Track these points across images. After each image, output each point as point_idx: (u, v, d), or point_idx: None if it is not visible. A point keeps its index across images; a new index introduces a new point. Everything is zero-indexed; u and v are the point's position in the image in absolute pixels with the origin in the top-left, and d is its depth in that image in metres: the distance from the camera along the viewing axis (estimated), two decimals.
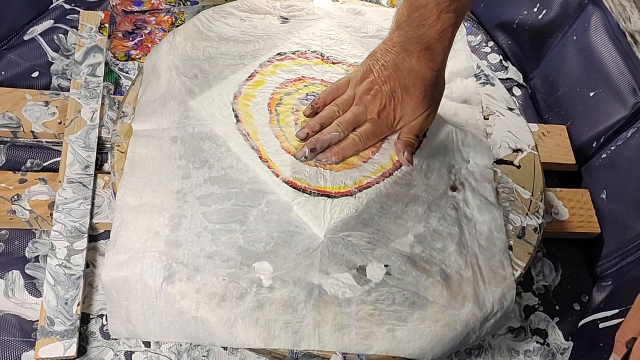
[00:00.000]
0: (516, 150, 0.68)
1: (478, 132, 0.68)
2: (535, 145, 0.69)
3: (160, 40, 0.76)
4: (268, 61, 0.66)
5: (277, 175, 0.58)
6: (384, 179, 0.60)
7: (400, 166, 0.61)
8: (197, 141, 0.60)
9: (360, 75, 0.60)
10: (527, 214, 0.63)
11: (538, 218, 0.63)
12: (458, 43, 0.76)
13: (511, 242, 0.61)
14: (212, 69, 0.66)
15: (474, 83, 0.73)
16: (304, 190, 0.58)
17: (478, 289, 0.57)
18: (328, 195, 0.58)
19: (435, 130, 0.64)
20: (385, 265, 0.56)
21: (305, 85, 0.65)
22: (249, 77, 0.65)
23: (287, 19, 0.74)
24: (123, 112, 0.64)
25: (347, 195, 0.58)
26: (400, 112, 0.59)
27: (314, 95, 0.64)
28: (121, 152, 0.61)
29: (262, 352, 0.52)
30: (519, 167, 0.67)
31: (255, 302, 0.53)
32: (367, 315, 0.54)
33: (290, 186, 0.58)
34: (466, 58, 0.75)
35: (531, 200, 0.64)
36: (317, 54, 0.69)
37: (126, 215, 0.56)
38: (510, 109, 0.72)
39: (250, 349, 0.52)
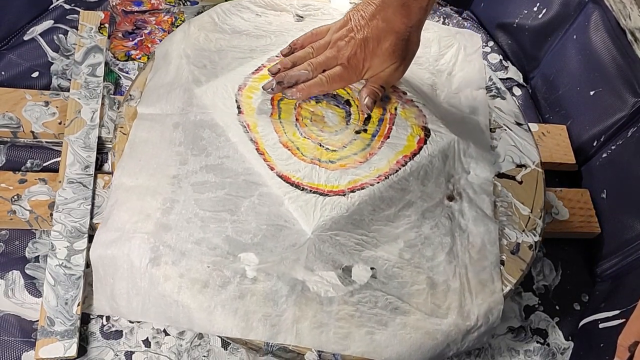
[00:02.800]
0: (520, 166, 0.67)
1: (482, 144, 0.67)
2: (540, 162, 0.68)
3: (160, 40, 0.76)
4: (276, 56, 0.67)
5: (272, 169, 0.58)
6: (379, 182, 0.59)
7: (397, 171, 0.60)
8: (198, 129, 0.61)
9: (340, 23, 0.62)
10: (523, 230, 0.62)
11: (535, 235, 0.62)
12: (473, 54, 0.76)
13: (504, 257, 0.60)
14: (221, 60, 0.67)
15: (484, 95, 0.72)
16: (297, 186, 0.58)
17: (464, 301, 0.56)
18: (320, 192, 0.58)
19: (436, 137, 0.63)
20: (372, 268, 0.56)
21: None
22: (255, 70, 0.65)
23: (302, 17, 0.74)
24: (130, 95, 0.65)
25: (339, 195, 0.58)
26: (369, 61, 0.61)
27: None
28: (123, 134, 0.62)
29: (238, 342, 0.53)
30: (520, 182, 0.66)
31: (237, 291, 0.53)
32: (347, 316, 0.53)
33: (284, 180, 0.58)
34: (479, 69, 0.74)
35: (529, 217, 0.63)
36: None
37: (121, 195, 0.57)
38: (519, 124, 0.71)
39: (228, 338, 0.52)
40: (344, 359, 0.52)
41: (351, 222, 0.57)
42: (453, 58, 0.74)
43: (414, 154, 0.62)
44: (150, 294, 0.53)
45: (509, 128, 0.70)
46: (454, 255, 0.59)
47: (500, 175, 0.66)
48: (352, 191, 0.58)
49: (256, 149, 0.59)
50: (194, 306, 0.52)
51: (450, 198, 0.62)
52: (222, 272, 0.54)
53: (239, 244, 0.55)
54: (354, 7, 0.62)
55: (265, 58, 0.67)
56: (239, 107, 0.62)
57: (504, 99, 0.73)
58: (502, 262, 0.60)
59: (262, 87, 0.62)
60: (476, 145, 0.66)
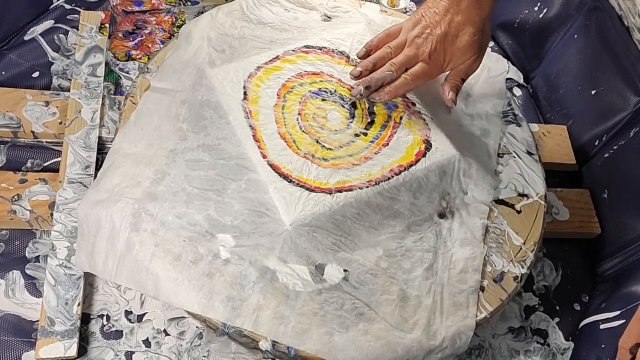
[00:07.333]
0: (522, 195, 0.65)
1: (486, 167, 0.65)
2: (545, 195, 0.65)
3: (160, 40, 0.77)
4: (292, 50, 0.68)
5: (264, 157, 0.59)
6: (368, 186, 0.59)
7: (389, 179, 0.60)
8: (202, 108, 0.62)
9: (412, 21, 0.62)
10: (512, 260, 0.60)
11: (523, 267, 0.60)
12: (495, 78, 0.74)
13: (485, 284, 0.58)
14: (240, 47, 0.68)
15: (499, 119, 0.70)
16: (285, 177, 0.58)
17: (433, 319, 0.55)
18: (307, 187, 0.58)
19: (437, 152, 0.62)
20: (345, 270, 0.56)
21: (321, 81, 0.65)
22: (269, 60, 0.66)
23: (329, 17, 0.75)
24: (148, 68, 0.67)
25: (325, 192, 0.57)
26: (450, 54, 0.61)
27: (326, 91, 0.65)
28: (133, 103, 0.64)
29: (198, 318, 0.53)
30: (519, 212, 0.64)
31: (207, 270, 0.54)
32: (310, 313, 0.53)
33: (273, 169, 0.58)
34: (499, 93, 0.72)
35: (521, 248, 0.61)
36: (344, 55, 0.69)
37: (117, 160, 0.59)
38: (530, 154, 0.69)
39: (188, 312, 0.53)
40: (297, 353, 0.52)
41: (332, 222, 0.57)
42: (474, 79, 0.73)
43: (410, 165, 0.61)
44: (125, 257, 0.55)
45: (518, 156, 0.68)
46: (432, 272, 0.57)
47: (499, 202, 0.64)
48: (339, 191, 0.58)
49: (253, 135, 0.60)
50: (163, 276, 0.53)
51: (442, 215, 0.61)
52: (197, 249, 0.54)
53: (218, 224, 0.56)
54: (423, 5, 0.63)
55: (282, 50, 0.68)
56: (245, 94, 0.63)
57: (519, 126, 0.71)
58: (482, 289, 0.58)
59: (351, 93, 0.62)
60: (479, 167, 0.64)
